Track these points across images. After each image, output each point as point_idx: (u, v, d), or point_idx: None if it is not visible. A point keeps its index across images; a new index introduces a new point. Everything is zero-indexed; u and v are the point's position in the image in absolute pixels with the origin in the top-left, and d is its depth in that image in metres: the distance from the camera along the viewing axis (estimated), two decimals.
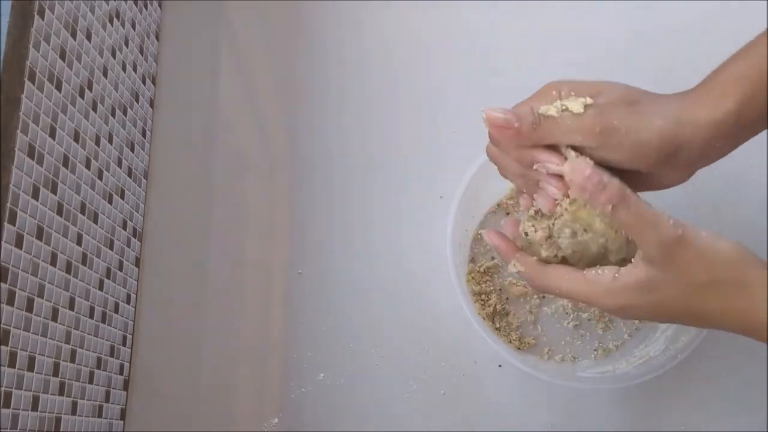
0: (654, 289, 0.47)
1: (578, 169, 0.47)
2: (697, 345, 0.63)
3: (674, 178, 0.50)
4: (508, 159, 0.51)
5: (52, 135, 0.59)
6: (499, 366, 0.69)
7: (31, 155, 0.56)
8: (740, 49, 0.50)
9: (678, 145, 0.48)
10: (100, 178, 0.67)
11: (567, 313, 0.70)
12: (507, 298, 0.70)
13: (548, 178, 0.50)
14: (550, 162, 0.49)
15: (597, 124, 0.47)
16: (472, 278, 0.70)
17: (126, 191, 0.72)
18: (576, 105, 0.48)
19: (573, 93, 0.49)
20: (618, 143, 0.48)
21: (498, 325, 0.69)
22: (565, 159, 0.49)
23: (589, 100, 0.48)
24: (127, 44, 0.72)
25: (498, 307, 0.69)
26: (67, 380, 0.60)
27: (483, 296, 0.69)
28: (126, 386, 0.70)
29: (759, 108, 0.48)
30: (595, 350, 0.69)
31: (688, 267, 0.46)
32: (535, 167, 0.49)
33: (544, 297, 0.70)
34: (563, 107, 0.48)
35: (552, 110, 0.48)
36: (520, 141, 0.49)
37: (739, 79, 0.48)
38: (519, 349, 0.68)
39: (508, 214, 0.72)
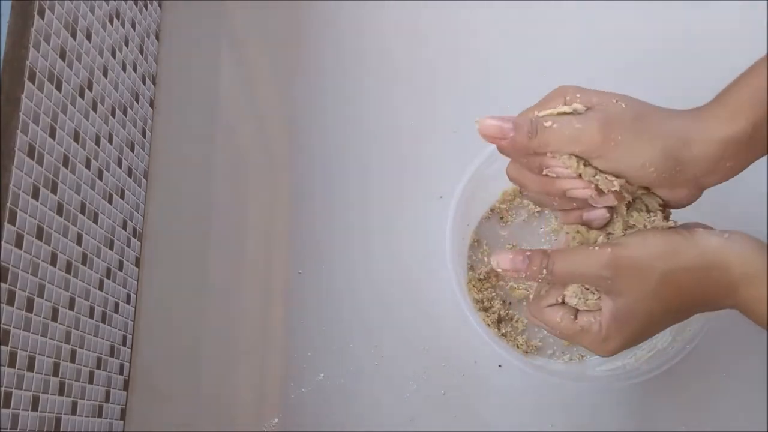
0: (630, 314, 0.49)
1: (501, 258, 0.50)
2: (699, 340, 0.62)
3: (682, 196, 0.50)
4: (527, 178, 0.51)
5: (52, 135, 0.59)
6: (499, 366, 0.69)
7: (31, 155, 0.56)
8: (753, 64, 0.50)
9: (682, 164, 0.48)
10: (100, 178, 0.67)
11: None
12: (510, 303, 0.70)
13: (592, 197, 0.50)
14: (558, 167, 0.49)
15: (597, 135, 0.47)
16: (473, 286, 0.70)
17: (126, 191, 0.72)
18: (574, 108, 0.48)
19: (578, 97, 0.49)
20: (618, 158, 0.47)
21: (504, 331, 0.69)
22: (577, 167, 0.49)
23: (581, 108, 0.48)
24: (127, 44, 0.72)
25: (502, 313, 0.69)
26: (67, 380, 0.60)
27: (485, 303, 0.69)
28: (126, 386, 0.70)
29: None
30: None
31: (638, 276, 0.48)
32: (545, 172, 0.49)
33: None
34: (561, 111, 0.48)
35: (548, 117, 0.48)
36: (518, 151, 0.49)
37: (753, 97, 0.48)
38: (527, 353, 0.68)
39: (502, 218, 0.72)
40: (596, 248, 0.49)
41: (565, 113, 0.48)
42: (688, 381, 0.68)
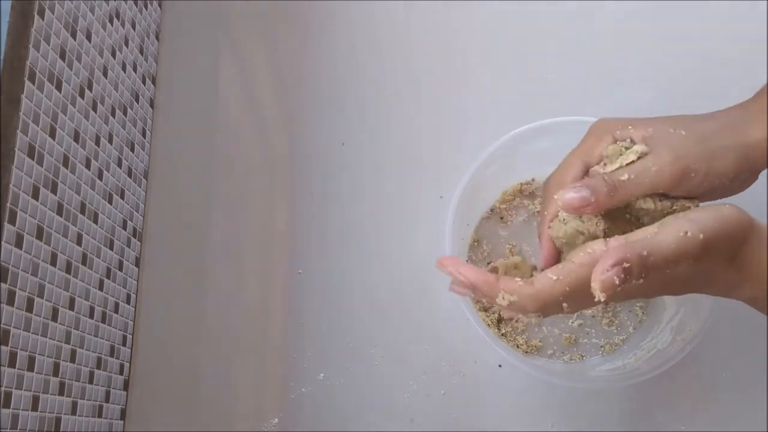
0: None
1: (599, 275, 0.44)
2: (699, 340, 0.62)
3: (746, 186, 0.53)
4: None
5: (52, 135, 0.59)
6: (499, 366, 0.69)
7: (31, 155, 0.56)
8: None
9: (755, 163, 0.51)
10: (100, 178, 0.67)
11: None
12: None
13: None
14: None
15: (676, 173, 0.49)
16: None
17: (126, 191, 0.72)
18: (640, 153, 0.50)
19: (630, 127, 0.50)
20: (701, 183, 0.50)
21: (504, 331, 0.69)
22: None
23: (644, 149, 0.50)
24: (127, 44, 0.72)
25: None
26: (67, 380, 0.60)
27: (485, 303, 0.69)
28: (126, 386, 0.70)
29: None
30: (602, 347, 0.69)
31: (723, 249, 0.47)
32: None
33: None
34: (629, 160, 0.50)
35: (623, 174, 0.49)
36: (603, 209, 0.50)
37: None
38: (527, 353, 0.68)
39: (502, 218, 0.72)
40: (687, 234, 0.45)
41: (633, 162, 0.50)
42: (688, 381, 0.68)
